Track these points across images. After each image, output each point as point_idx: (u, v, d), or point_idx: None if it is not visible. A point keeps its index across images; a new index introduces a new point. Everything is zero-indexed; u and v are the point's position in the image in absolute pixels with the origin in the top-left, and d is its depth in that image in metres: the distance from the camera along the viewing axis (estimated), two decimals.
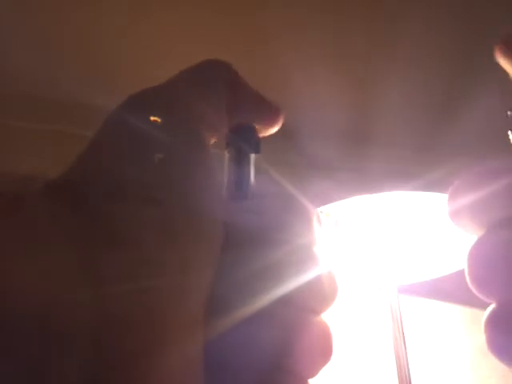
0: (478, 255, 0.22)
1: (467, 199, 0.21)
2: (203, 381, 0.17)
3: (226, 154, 0.22)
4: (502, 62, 0.23)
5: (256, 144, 0.22)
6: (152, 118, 0.19)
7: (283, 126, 0.23)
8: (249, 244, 0.19)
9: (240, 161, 0.21)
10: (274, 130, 0.23)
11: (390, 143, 0.90)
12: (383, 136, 0.88)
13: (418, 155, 0.90)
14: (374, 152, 0.90)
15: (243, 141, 0.22)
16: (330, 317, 0.21)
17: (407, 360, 0.78)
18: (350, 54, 0.76)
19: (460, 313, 1.01)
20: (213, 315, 0.17)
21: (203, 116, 0.20)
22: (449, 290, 0.90)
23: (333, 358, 0.19)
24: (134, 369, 0.15)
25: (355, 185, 0.89)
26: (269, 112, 0.23)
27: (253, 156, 0.22)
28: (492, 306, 0.21)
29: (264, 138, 0.23)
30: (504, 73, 0.23)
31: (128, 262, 0.16)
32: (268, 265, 0.19)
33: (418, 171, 0.70)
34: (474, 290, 0.22)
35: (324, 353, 0.19)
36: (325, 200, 0.67)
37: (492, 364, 0.95)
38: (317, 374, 0.19)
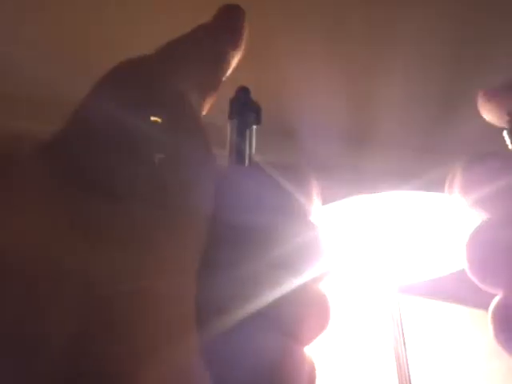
0: (479, 242, 0.21)
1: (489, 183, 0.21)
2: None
3: (228, 126, 0.22)
4: (483, 111, 0.24)
5: (257, 115, 0.23)
6: (152, 119, 0.18)
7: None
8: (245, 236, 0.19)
9: (242, 133, 0.22)
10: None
11: (390, 143, 0.90)
12: (383, 136, 0.88)
13: (418, 155, 0.90)
14: (373, 152, 0.90)
15: (245, 113, 0.22)
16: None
17: (407, 360, 0.78)
18: (350, 53, 0.76)
19: (460, 313, 1.01)
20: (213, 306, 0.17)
21: (196, 79, 0.21)
22: (449, 290, 0.90)
23: (330, 324, 0.19)
24: (120, 374, 0.14)
25: (355, 185, 0.89)
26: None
27: (254, 127, 0.22)
28: (498, 297, 0.21)
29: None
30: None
31: (119, 261, 0.15)
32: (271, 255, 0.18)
33: (417, 171, 0.70)
34: (476, 281, 0.21)
35: (322, 317, 0.19)
36: (325, 200, 0.67)
37: (493, 364, 0.95)
38: (313, 339, 0.19)
